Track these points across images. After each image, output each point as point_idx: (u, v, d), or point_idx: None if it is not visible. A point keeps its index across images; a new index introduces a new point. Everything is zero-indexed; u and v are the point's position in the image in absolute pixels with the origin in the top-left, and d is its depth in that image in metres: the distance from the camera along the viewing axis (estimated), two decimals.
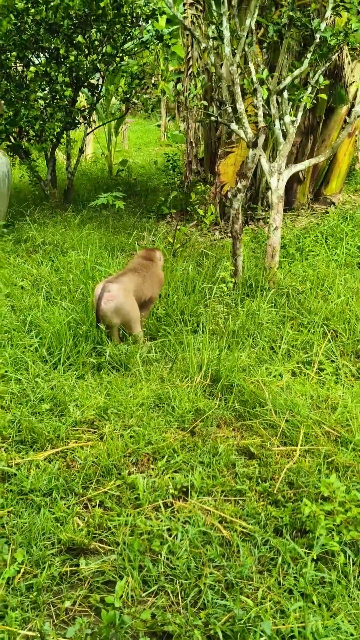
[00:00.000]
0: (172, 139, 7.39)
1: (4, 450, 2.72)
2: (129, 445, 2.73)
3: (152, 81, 7.02)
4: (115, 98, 7.05)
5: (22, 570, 2.09)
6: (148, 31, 7.37)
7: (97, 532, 2.28)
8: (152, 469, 2.64)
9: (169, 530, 2.30)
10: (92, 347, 3.52)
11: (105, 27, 6.48)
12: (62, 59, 6.61)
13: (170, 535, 2.24)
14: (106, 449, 2.68)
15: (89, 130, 7.40)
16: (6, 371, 3.27)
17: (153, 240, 5.92)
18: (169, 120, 15.59)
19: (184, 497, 2.49)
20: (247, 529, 2.30)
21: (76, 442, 2.77)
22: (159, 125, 16.12)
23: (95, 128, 8.07)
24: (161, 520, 2.34)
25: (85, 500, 2.45)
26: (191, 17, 6.21)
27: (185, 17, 6.38)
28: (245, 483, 2.54)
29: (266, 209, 6.75)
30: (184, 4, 6.32)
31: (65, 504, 2.39)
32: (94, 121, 8.05)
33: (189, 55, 6.39)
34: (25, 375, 3.24)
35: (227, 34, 4.70)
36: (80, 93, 7.00)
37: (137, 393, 3.12)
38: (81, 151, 7.55)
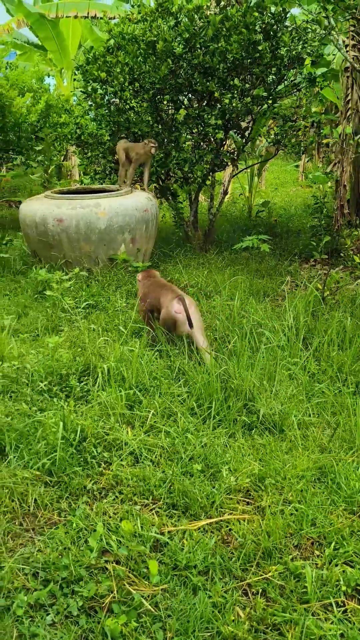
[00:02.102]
0: (314, 179, 7.16)
1: (155, 512, 2.55)
2: (291, 525, 2.44)
3: (305, 123, 6.84)
4: (267, 140, 6.95)
5: None
6: (300, 73, 7.25)
7: (260, 627, 2.00)
8: (318, 556, 2.32)
9: (342, 637, 1.97)
10: (243, 404, 3.29)
11: (259, 69, 6.44)
12: (214, 102, 6.66)
13: None
14: (265, 527, 2.41)
15: (235, 172, 7.36)
16: (155, 421, 3.14)
17: (296, 285, 5.65)
18: (307, 161, 15.35)
19: (358, 598, 2.14)
20: None
21: (232, 514, 2.53)
22: (297, 166, 15.91)
23: (242, 170, 8.03)
24: (332, 622, 2.02)
25: (244, 585, 2.19)
26: (353, 58, 5.98)
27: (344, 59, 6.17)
28: None
29: None
30: (346, 46, 6.13)
31: (223, 588, 2.15)
32: (241, 163, 8.02)
33: (348, 98, 6.14)
34: (175, 428, 3.08)
35: None
36: (228, 135, 6.99)
37: (295, 462, 2.83)
38: (225, 193, 7.53)
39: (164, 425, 3.12)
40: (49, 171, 7.99)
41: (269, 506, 2.56)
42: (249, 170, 9.23)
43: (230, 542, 2.39)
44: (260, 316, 4.46)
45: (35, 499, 2.60)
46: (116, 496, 2.65)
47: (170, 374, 3.64)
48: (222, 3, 6.79)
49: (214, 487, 2.67)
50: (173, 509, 2.56)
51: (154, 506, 2.59)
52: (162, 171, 6.82)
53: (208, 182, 7.21)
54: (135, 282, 5.39)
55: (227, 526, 2.46)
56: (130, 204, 5.95)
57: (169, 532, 2.41)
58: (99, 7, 10.99)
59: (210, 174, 7.10)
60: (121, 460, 2.86)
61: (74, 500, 2.63)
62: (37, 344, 4.30)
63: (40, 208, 5.84)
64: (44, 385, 3.37)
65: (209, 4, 7.42)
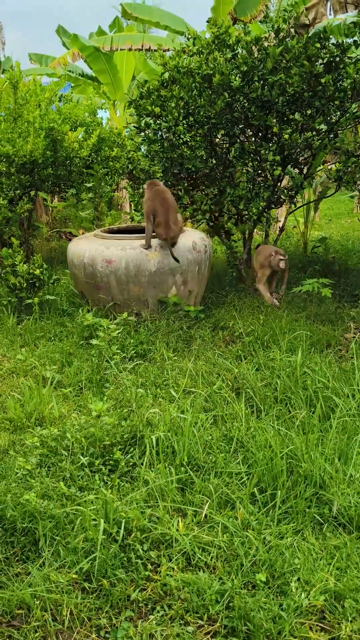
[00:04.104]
0: None
1: (212, 637, 2.12)
2: None
3: None
4: (328, 177, 6.54)
5: None
6: None
7: None
8: None
9: None
10: (313, 492, 2.84)
11: (319, 103, 6.07)
12: (271, 137, 6.32)
13: None
14: None
15: (292, 208, 6.96)
16: (210, 511, 2.73)
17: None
18: None
19: None
20: None
21: None
22: (351, 197, 15.39)
23: (300, 207, 7.64)
24: None
25: None
26: None
27: None
28: None
29: None
30: None
31: None
32: (299, 200, 7.63)
33: None
34: (232, 520, 2.66)
35: None
36: (287, 171, 6.62)
37: None
38: (281, 230, 7.13)
39: (220, 514, 2.71)
40: (99, 208, 7.80)
41: (350, 638, 2.10)
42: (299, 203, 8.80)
43: None
44: (324, 374, 4.01)
45: (71, 610, 2.22)
46: (165, 612, 2.24)
47: (227, 446, 3.23)
48: (281, 34, 6.49)
49: (281, 607, 2.23)
50: (232, 636, 2.13)
51: (210, 629, 2.16)
52: (216, 209, 6.49)
53: (263, 219, 6.84)
54: None
55: None
56: (183, 244, 5.63)
57: None
58: (153, 40, 10.92)
59: (266, 210, 6.73)
60: (171, 561, 2.45)
61: (115, 615, 2.23)
62: (80, 401, 3.97)
63: (88, 248, 5.59)
64: (86, 460, 3.01)
65: (266, 36, 7.15)
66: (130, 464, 3.11)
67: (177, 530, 2.60)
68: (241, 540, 2.53)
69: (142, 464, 3.08)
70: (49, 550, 2.48)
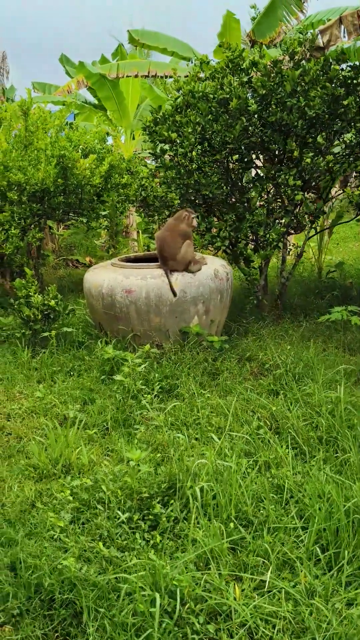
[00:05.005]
0: None
1: None
2: None
3: None
4: (350, 201, 6.37)
5: None
6: None
7: None
8: None
9: None
10: None
11: (340, 125, 5.92)
12: (288, 161, 6.16)
13: None
14: None
15: (312, 234, 6.78)
16: (268, 575, 2.44)
17: None
18: None
19: None
20: None
21: None
22: (358, 220, 15.27)
23: (320, 232, 7.46)
24: None
25: None
26: None
27: None
28: None
29: None
30: None
31: None
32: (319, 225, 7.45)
33: None
34: (297, 587, 2.37)
35: None
36: (307, 196, 6.45)
37: None
38: (299, 255, 6.93)
39: (279, 577, 2.42)
40: (116, 237, 7.61)
41: None
42: (319, 229, 8.63)
43: None
44: None
45: None
46: None
47: (276, 496, 2.95)
48: (296, 57, 6.37)
49: None
50: None
51: None
52: (235, 235, 6.28)
53: (280, 245, 6.64)
54: None
55: None
56: (205, 272, 5.41)
57: None
58: (160, 67, 10.87)
59: (285, 236, 6.54)
60: (232, 637, 2.16)
61: None
62: (107, 444, 3.70)
63: (107, 278, 5.36)
64: (125, 517, 2.73)
65: (280, 59, 7.04)
66: (172, 518, 2.82)
67: (235, 598, 2.32)
68: (308, 609, 2.25)
69: (184, 519, 2.80)
70: (93, 625, 2.19)
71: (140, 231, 10.96)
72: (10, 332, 5.82)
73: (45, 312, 5.59)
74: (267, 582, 2.38)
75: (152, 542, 2.65)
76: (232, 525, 2.69)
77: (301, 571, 2.44)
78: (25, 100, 6.84)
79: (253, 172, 6.88)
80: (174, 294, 5.19)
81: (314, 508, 2.72)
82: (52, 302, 5.55)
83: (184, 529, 2.72)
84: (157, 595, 2.17)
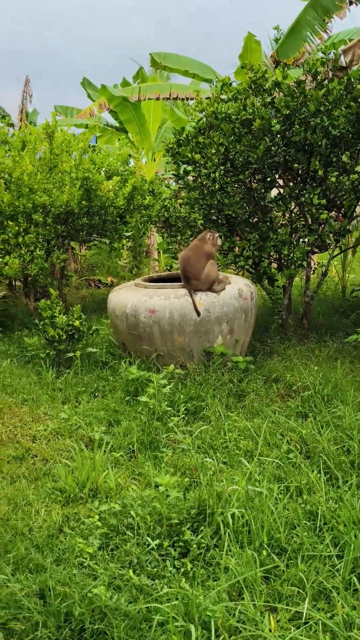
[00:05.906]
0: None
1: None
2: None
3: None
4: None
5: None
6: None
7: None
8: None
9: None
10: None
11: None
12: (311, 180, 6.14)
13: None
14: None
15: (337, 252, 6.72)
16: (305, 606, 2.35)
17: None
18: None
19: None
20: None
21: None
22: None
23: (344, 250, 7.40)
24: None
25: None
26: None
27: None
28: None
29: None
30: None
31: None
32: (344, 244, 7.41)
33: None
34: (335, 618, 2.28)
35: None
36: (332, 215, 6.41)
37: None
38: (324, 274, 6.87)
39: (314, 608, 2.33)
40: (139, 257, 7.64)
41: None
42: (343, 247, 8.57)
43: None
44: None
45: None
46: None
47: (309, 522, 2.86)
48: (319, 77, 6.38)
49: None
50: None
51: None
52: (258, 255, 6.26)
53: (304, 264, 6.59)
54: None
55: None
56: (229, 292, 5.38)
57: None
58: (181, 89, 11.00)
59: (309, 255, 6.49)
60: None
61: None
62: (133, 467, 3.65)
63: (131, 298, 5.36)
64: (155, 544, 2.67)
65: (302, 79, 7.06)
66: (202, 545, 2.75)
67: (270, 630, 2.24)
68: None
69: (215, 546, 2.73)
70: None
71: (161, 251, 11.01)
72: (35, 353, 5.84)
73: (70, 333, 5.60)
74: (304, 613, 2.29)
75: (182, 569, 2.59)
76: (264, 553, 2.61)
77: (338, 601, 2.35)
78: (50, 124, 6.95)
79: (274, 191, 6.88)
80: (198, 313, 5.16)
81: (349, 535, 2.64)
82: (77, 323, 5.56)
83: (215, 557, 2.65)
84: (192, 626, 2.10)
